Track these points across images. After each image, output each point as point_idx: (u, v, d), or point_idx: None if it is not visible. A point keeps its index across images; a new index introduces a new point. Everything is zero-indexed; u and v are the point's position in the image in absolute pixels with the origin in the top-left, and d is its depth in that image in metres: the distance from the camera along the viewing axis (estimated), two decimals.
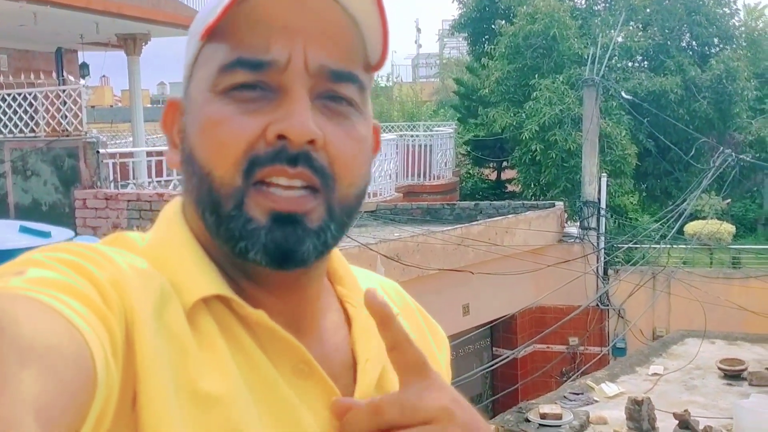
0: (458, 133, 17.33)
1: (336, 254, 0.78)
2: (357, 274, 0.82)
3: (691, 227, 12.55)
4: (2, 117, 9.50)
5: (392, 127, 17.70)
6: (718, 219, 13.88)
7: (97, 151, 8.69)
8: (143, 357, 0.60)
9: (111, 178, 8.89)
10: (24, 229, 3.51)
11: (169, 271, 0.67)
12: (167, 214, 0.74)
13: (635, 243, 11.00)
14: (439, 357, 0.85)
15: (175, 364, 0.62)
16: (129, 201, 8.43)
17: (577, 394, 6.50)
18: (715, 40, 16.96)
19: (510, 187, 17.86)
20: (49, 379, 0.49)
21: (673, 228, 10.55)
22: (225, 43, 0.67)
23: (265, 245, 0.65)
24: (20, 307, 0.52)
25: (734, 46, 16.67)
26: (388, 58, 0.72)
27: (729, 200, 13.60)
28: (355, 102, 0.69)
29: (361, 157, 0.69)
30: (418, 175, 14.81)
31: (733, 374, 6.91)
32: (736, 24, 17.20)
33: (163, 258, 0.69)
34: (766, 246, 13.66)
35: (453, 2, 18.52)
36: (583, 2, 17.79)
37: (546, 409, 5.82)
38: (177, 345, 0.63)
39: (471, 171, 17.99)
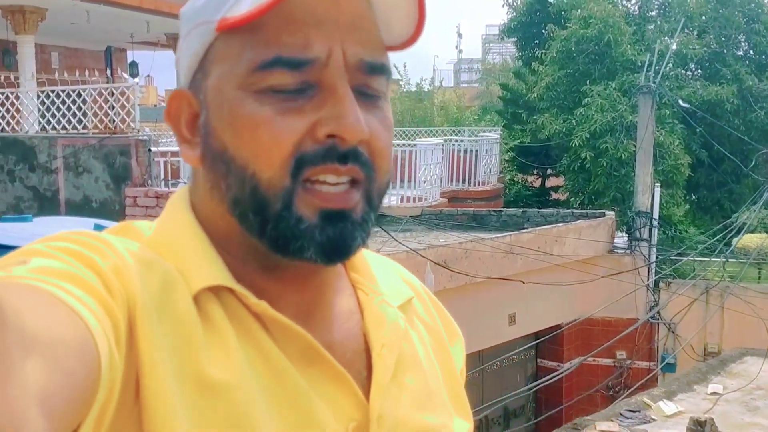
0: (503, 140, 17.14)
1: None
2: (374, 262, 0.81)
3: (746, 241, 12.19)
4: (56, 113, 9.57)
5: (437, 132, 17.55)
6: (767, 233, 13.49)
7: (149, 150, 8.70)
8: (146, 345, 0.59)
9: (162, 176, 8.89)
10: (99, 227, 3.45)
11: (174, 260, 0.67)
12: (174, 204, 0.73)
13: (692, 256, 10.68)
14: (452, 350, 0.84)
15: (180, 351, 0.61)
16: None
17: (634, 411, 6.30)
18: None
19: (555, 195, 17.61)
20: (53, 369, 0.49)
21: (730, 242, 10.23)
22: (254, 38, 0.64)
23: (322, 243, 0.65)
24: (23, 297, 0.52)
25: None
26: (422, 34, 0.70)
27: None
28: (383, 91, 0.69)
29: (391, 145, 0.70)
30: (463, 181, 14.64)
31: None
32: None
33: (168, 247, 0.68)
34: None
35: (503, 6, 18.33)
36: (637, 9, 17.46)
37: (603, 426, 5.63)
38: (183, 331, 0.62)
39: (515, 178, 17.78)
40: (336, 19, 0.65)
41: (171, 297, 0.63)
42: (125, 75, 9.94)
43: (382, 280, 0.79)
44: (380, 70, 0.68)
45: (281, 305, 0.68)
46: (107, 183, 8.98)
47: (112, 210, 8.98)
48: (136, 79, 9.66)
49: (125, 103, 8.81)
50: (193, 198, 0.72)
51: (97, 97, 9.15)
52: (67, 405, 0.50)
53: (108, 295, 0.59)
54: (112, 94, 9.07)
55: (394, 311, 0.76)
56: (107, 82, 10.52)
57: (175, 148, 10.95)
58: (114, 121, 9.01)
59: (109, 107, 9.07)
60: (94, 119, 9.15)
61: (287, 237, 0.65)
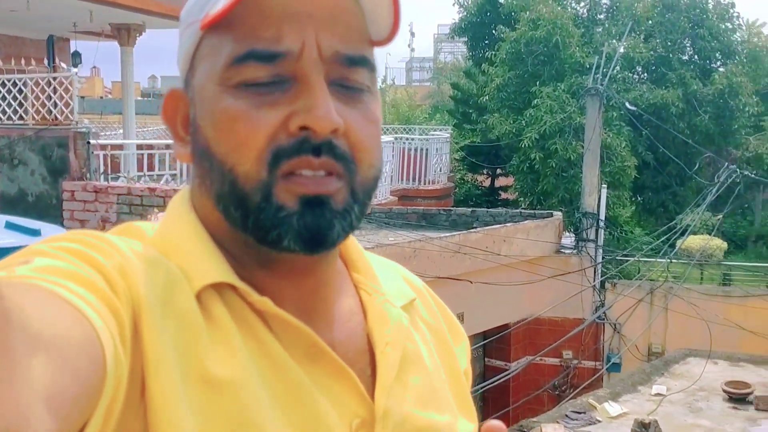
0: (453, 139, 17.14)
1: (352, 240, 0.78)
2: (377, 263, 0.81)
3: (688, 243, 12.39)
4: None
5: (388, 130, 17.46)
6: (709, 234, 13.77)
7: (88, 142, 8.39)
8: (151, 344, 0.60)
9: (101, 170, 8.58)
10: (11, 225, 3.21)
11: (177, 259, 0.67)
12: (175, 205, 0.74)
13: (637, 257, 10.81)
14: (456, 351, 0.84)
15: (183, 349, 0.61)
16: (119, 195, 8.17)
17: (579, 413, 6.28)
18: (717, 55, 16.84)
19: (504, 195, 17.69)
20: (59, 367, 0.49)
21: (674, 243, 10.36)
22: (231, 34, 0.65)
23: (298, 231, 0.65)
24: (27, 296, 0.52)
25: (736, 61, 16.55)
26: (399, 31, 0.70)
27: (720, 216, 13.51)
28: (366, 84, 0.69)
29: (377, 138, 0.70)
30: (413, 180, 14.59)
31: (738, 397, 6.72)
32: (739, 39, 17.09)
33: (171, 246, 0.69)
34: (762, 263, 13.52)
35: (453, 5, 18.30)
36: (586, 11, 17.63)
37: (549, 428, 5.59)
38: (186, 329, 0.62)
39: (465, 177, 17.83)
40: (311, 13, 0.65)
41: (174, 295, 0.64)
42: (63, 65, 9.54)
43: (385, 280, 0.79)
44: (360, 62, 0.68)
45: (283, 301, 0.68)
46: (44, 176, 8.64)
47: (48, 204, 8.66)
48: (75, 69, 9.28)
49: (63, 93, 8.47)
50: (192, 196, 0.73)
51: (34, 87, 8.77)
52: (73, 403, 0.50)
53: (112, 294, 0.59)
54: (50, 84, 8.71)
55: (397, 311, 0.76)
56: (48, 72, 10.14)
57: (115, 141, 10.65)
58: (51, 112, 8.65)
59: (46, 98, 8.72)
60: (30, 110, 8.78)
61: (266, 227, 0.66)
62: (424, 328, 0.81)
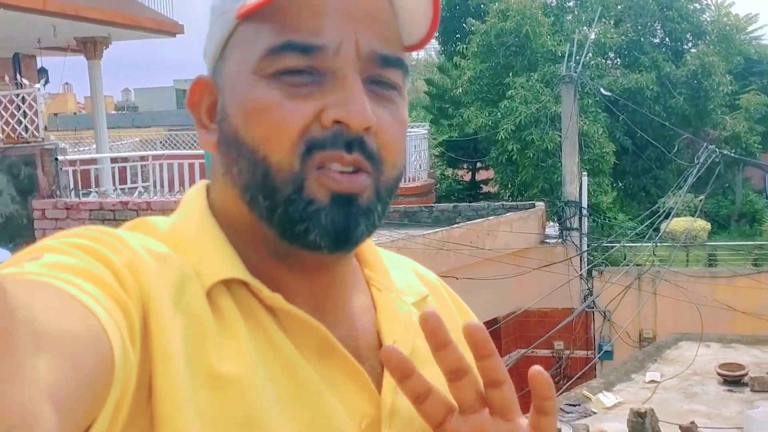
0: (431, 135, 17.02)
1: None
2: (389, 259, 0.81)
3: (673, 225, 12.35)
4: None
5: None
6: (692, 216, 13.77)
7: (56, 159, 8.17)
8: (159, 342, 0.59)
9: (71, 186, 8.37)
10: None
11: (188, 255, 0.67)
12: (190, 198, 0.73)
13: (623, 243, 10.75)
14: None
15: (192, 347, 0.61)
16: (91, 210, 8.00)
17: (574, 405, 6.17)
18: (688, 36, 16.88)
19: (485, 188, 17.64)
20: (65, 364, 0.48)
21: (658, 227, 10.30)
22: (269, 24, 0.65)
23: (326, 227, 0.65)
24: (35, 292, 0.51)
25: (707, 41, 16.59)
26: (432, 37, 0.71)
27: (702, 197, 13.53)
28: (398, 85, 0.69)
29: (403, 140, 0.70)
30: None
31: (733, 380, 6.64)
32: (708, 20, 17.12)
33: (183, 242, 0.68)
34: (747, 242, 13.53)
35: None
36: (555, 0, 17.59)
37: None
38: (196, 327, 0.62)
39: (445, 173, 17.75)
40: (351, 10, 0.66)
41: (184, 292, 0.63)
42: (26, 81, 9.31)
43: (397, 277, 0.79)
44: (395, 63, 0.68)
45: (295, 297, 0.68)
46: (12, 196, 8.41)
47: (20, 225, 8.44)
48: (37, 85, 9.06)
49: (27, 110, 8.25)
50: (211, 188, 0.73)
51: None
52: (79, 400, 0.49)
53: (122, 291, 0.58)
54: (12, 101, 8.47)
55: (407, 307, 0.76)
56: (11, 90, 9.89)
57: (85, 156, 10.42)
58: (16, 129, 8.43)
59: (10, 116, 8.49)
60: None
61: (295, 220, 0.65)
62: None
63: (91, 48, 13.25)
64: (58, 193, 8.22)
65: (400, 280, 0.79)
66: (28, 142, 8.46)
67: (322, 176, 0.65)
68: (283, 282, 0.69)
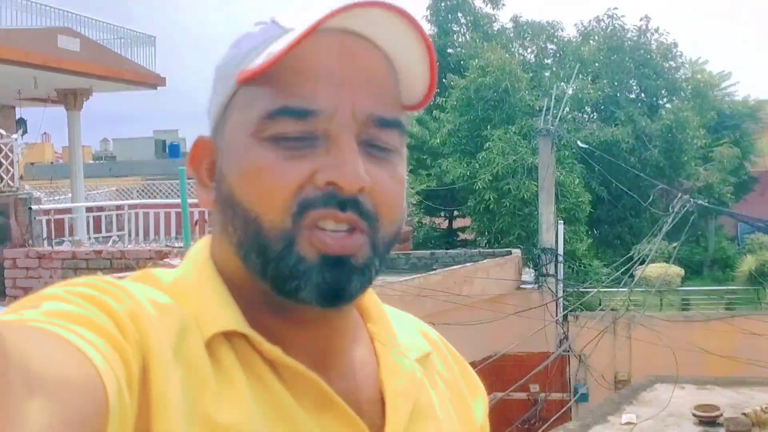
0: (409, 184, 17.16)
1: (369, 292, 0.77)
2: (393, 315, 0.81)
3: (647, 271, 12.45)
4: None
5: None
6: (666, 262, 13.91)
7: (30, 208, 8.15)
8: (158, 390, 0.59)
9: (44, 235, 8.33)
10: None
11: (189, 306, 0.68)
12: (194, 251, 0.75)
13: (598, 288, 10.82)
14: (472, 404, 0.84)
15: (191, 396, 0.61)
16: (64, 259, 7.94)
17: None
18: (663, 92, 17.34)
19: (462, 236, 17.78)
20: (57, 409, 0.48)
21: (633, 273, 10.40)
22: (267, 89, 0.67)
23: (317, 285, 0.65)
24: (30, 338, 0.52)
25: (681, 96, 17.05)
26: (432, 98, 0.73)
27: (676, 244, 13.74)
28: (396, 146, 0.70)
29: (401, 197, 0.71)
30: None
31: (709, 420, 6.63)
32: (683, 77, 17.64)
33: (185, 293, 0.70)
34: (719, 287, 13.65)
35: None
36: (533, 57, 18.04)
37: None
38: (195, 377, 0.63)
39: (422, 220, 17.91)
40: (348, 75, 0.67)
41: (185, 342, 0.64)
42: (2, 131, 9.36)
43: (401, 333, 0.79)
44: (392, 125, 0.69)
45: (295, 349, 0.68)
46: None
47: None
48: (14, 136, 9.10)
49: (2, 160, 8.27)
50: (212, 243, 0.74)
51: None
52: None
53: (122, 338, 0.58)
54: None
55: (410, 362, 0.76)
56: None
57: (59, 206, 10.40)
58: None
59: None
60: None
61: (285, 276, 0.66)
62: (440, 382, 0.81)
63: (71, 99, 13.36)
64: (30, 242, 8.18)
65: (403, 336, 0.79)
66: (2, 192, 8.46)
67: (313, 236, 0.65)
68: (283, 334, 0.69)
